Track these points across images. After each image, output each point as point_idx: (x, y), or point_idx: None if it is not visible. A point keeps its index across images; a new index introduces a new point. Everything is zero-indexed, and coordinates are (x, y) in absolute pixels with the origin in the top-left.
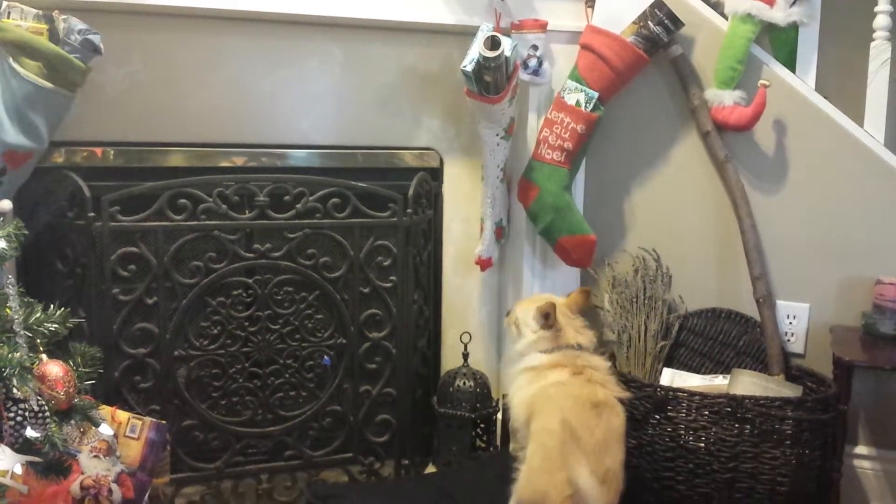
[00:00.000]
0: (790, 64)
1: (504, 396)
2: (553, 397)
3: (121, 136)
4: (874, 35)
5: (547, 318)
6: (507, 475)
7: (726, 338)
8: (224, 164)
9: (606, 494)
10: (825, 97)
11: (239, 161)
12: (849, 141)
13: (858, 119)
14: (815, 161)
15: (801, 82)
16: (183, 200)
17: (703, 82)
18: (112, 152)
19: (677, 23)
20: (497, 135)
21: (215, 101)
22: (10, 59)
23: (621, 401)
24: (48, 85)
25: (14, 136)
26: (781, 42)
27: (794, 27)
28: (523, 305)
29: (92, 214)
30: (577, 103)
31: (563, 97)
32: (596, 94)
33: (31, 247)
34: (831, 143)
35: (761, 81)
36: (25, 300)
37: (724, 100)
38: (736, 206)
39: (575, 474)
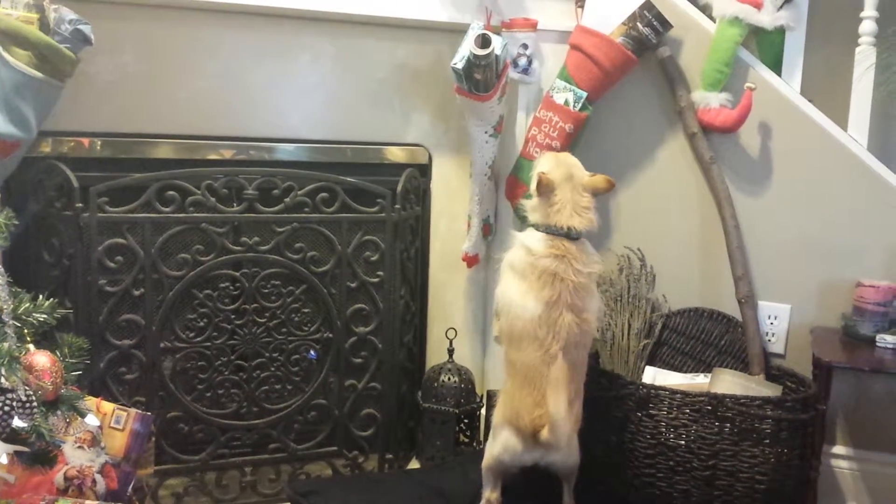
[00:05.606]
0: (776, 67)
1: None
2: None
3: (109, 127)
4: (859, 40)
5: (539, 185)
6: None
7: (708, 337)
8: (212, 156)
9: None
10: (810, 101)
11: (227, 154)
12: (833, 145)
13: (842, 123)
14: (799, 164)
15: (786, 86)
16: (171, 192)
17: (690, 84)
18: (99, 143)
19: (666, 25)
20: (486, 132)
21: (204, 94)
22: (0, 48)
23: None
24: (38, 74)
25: (2, 125)
26: (768, 46)
27: (780, 31)
28: (546, 159)
29: (80, 205)
30: (566, 102)
31: (551, 96)
32: (584, 94)
33: (17, 237)
34: (815, 147)
35: (747, 84)
36: (13, 290)
37: (710, 102)
38: (720, 206)
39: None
